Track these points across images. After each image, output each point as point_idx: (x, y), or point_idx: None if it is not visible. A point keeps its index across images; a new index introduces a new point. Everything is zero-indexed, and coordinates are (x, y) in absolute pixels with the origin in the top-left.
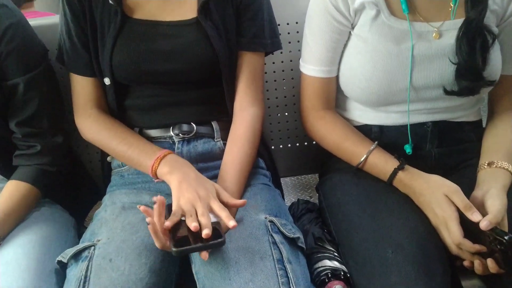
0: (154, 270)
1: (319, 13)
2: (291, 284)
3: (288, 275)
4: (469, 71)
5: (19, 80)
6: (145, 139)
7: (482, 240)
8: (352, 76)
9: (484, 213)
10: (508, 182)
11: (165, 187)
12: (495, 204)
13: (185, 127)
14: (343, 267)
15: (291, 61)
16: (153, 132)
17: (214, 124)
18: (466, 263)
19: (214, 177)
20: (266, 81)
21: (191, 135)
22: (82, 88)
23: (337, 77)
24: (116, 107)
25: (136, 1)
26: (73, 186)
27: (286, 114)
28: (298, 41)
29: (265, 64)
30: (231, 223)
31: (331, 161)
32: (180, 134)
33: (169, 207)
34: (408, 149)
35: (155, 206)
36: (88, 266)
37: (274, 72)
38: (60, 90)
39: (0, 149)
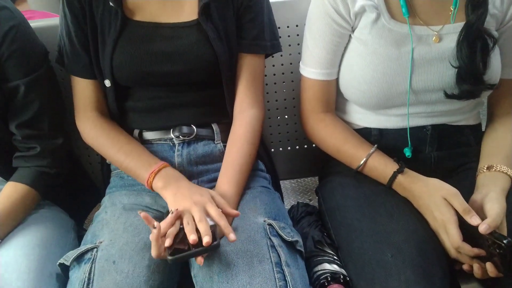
0: (158, 271)
1: (320, 16)
2: (289, 287)
3: (286, 278)
4: (470, 75)
5: (20, 82)
6: (142, 147)
7: (481, 243)
8: (352, 79)
9: (483, 216)
10: (507, 186)
11: None
12: (494, 207)
13: (185, 129)
14: (343, 271)
15: (291, 64)
16: (153, 134)
17: (215, 126)
18: (465, 267)
19: (214, 179)
20: (266, 84)
21: (191, 137)
22: (81, 90)
23: (337, 80)
24: (116, 109)
25: (137, 3)
26: (73, 188)
27: (286, 116)
28: (298, 44)
29: (265, 66)
30: (231, 236)
31: (330, 164)
32: (180, 136)
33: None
34: (407, 152)
35: (168, 217)
36: (91, 268)
37: (274, 74)
38: (60, 92)
39: (0, 151)
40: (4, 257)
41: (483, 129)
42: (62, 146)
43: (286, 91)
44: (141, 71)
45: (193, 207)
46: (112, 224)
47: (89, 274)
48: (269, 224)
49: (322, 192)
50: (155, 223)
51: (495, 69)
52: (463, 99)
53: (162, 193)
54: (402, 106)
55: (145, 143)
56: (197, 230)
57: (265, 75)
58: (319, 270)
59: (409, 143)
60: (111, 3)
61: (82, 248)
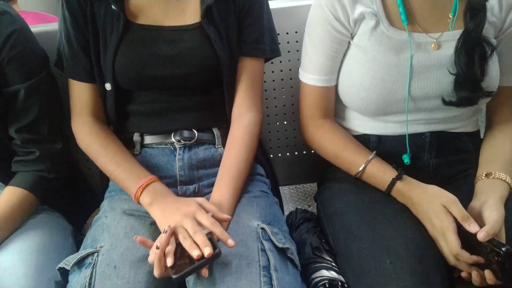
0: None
1: (319, 22)
2: None
3: (273, 282)
4: (468, 82)
5: (20, 87)
6: (133, 158)
7: (480, 251)
8: (351, 85)
9: (481, 224)
10: (505, 193)
11: None
12: (492, 215)
13: (186, 133)
14: (341, 277)
15: (290, 70)
16: (154, 138)
17: (215, 131)
18: (463, 274)
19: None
20: (266, 90)
21: (192, 141)
22: (79, 94)
23: (336, 86)
24: (114, 113)
25: (139, 7)
26: (71, 193)
27: (285, 122)
28: (297, 50)
29: (264, 72)
30: (229, 242)
31: (329, 170)
32: (181, 141)
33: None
34: (406, 159)
35: (162, 236)
36: (92, 273)
37: (274, 80)
38: (60, 96)
39: (2, 156)
40: (2, 262)
41: (482, 136)
42: (61, 150)
43: (285, 97)
44: (143, 74)
45: (184, 220)
46: (112, 228)
47: (90, 278)
48: (262, 228)
49: (320, 198)
50: (158, 244)
51: (494, 77)
52: (461, 106)
53: (149, 210)
54: (401, 113)
55: (146, 146)
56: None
57: (265, 81)
58: (317, 277)
59: (408, 150)
60: (113, 7)
61: (83, 252)
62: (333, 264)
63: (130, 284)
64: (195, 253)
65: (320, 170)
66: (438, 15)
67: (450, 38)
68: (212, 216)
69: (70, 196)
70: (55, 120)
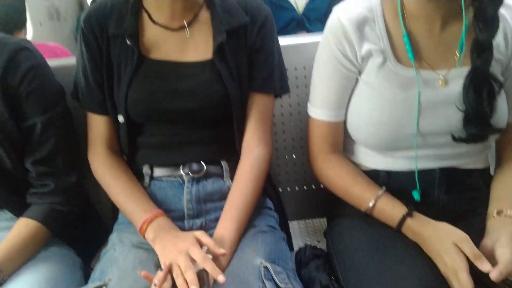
0: None
1: (327, 59)
2: None
3: None
4: (477, 119)
5: (37, 120)
6: (143, 191)
7: None
8: (359, 121)
9: (494, 262)
10: None
11: None
12: (505, 253)
13: (195, 166)
14: None
15: (298, 104)
16: (163, 171)
17: (224, 164)
18: None
19: None
20: (274, 124)
21: (200, 174)
22: (95, 126)
23: (345, 121)
24: (127, 145)
25: (153, 42)
26: (82, 225)
27: (294, 156)
28: (306, 86)
29: (273, 107)
30: (219, 278)
31: (339, 206)
32: (190, 173)
33: None
34: (416, 195)
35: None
36: None
37: (282, 114)
38: (75, 130)
39: (15, 188)
40: None
41: (492, 172)
42: (75, 183)
43: (294, 131)
44: (155, 107)
45: (178, 257)
46: (120, 261)
47: None
48: (265, 267)
49: (330, 234)
50: (155, 281)
51: (502, 113)
52: (470, 142)
53: (153, 246)
54: (410, 149)
55: (155, 179)
56: None
57: (273, 115)
58: None
59: (418, 186)
60: (128, 42)
61: (91, 285)
62: None
63: None
64: None
65: (329, 205)
66: (444, 53)
67: (457, 75)
68: (208, 250)
69: (80, 229)
70: (70, 153)
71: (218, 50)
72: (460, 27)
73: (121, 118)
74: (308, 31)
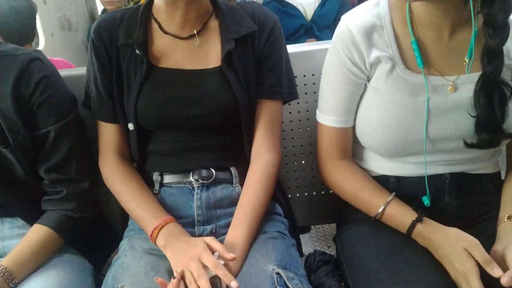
0: None
1: (336, 66)
2: None
3: None
4: (489, 124)
5: (50, 129)
6: (153, 198)
7: None
8: (368, 127)
9: (505, 268)
10: None
11: None
12: None
13: (204, 172)
14: None
15: (307, 111)
16: (173, 177)
17: (233, 170)
18: None
19: None
20: (284, 130)
21: (210, 180)
22: (105, 134)
23: (354, 127)
24: (138, 152)
25: (162, 51)
26: (92, 232)
27: (303, 162)
28: (315, 92)
29: (282, 113)
30: (232, 285)
31: (348, 211)
32: (199, 180)
33: None
34: (426, 200)
35: (172, 282)
36: None
37: (291, 121)
38: (87, 137)
39: (27, 196)
40: None
41: (503, 177)
42: (88, 190)
43: (303, 138)
44: (164, 115)
45: (190, 264)
46: (132, 267)
47: None
48: (277, 273)
49: (340, 240)
50: (175, 273)
51: None
52: (483, 148)
53: (164, 252)
54: (419, 154)
55: (165, 186)
56: None
57: (282, 122)
58: None
59: (428, 192)
60: (137, 51)
61: None
62: None
63: None
64: None
65: (339, 210)
66: (453, 59)
67: (467, 81)
68: (219, 256)
69: (91, 235)
70: (83, 160)
71: (226, 57)
72: (468, 34)
73: (131, 126)
74: (317, 38)
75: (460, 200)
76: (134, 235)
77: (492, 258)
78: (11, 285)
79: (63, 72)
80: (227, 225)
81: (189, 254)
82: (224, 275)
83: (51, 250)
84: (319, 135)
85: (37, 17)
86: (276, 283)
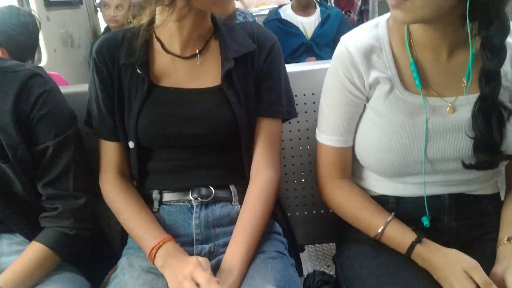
0: None
1: (335, 86)
2: None
3: None
4: (487, 146)
5: (49, 144)
6: (152, 216)
7: None
8: (367, 146)
9: None
10: None
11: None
12: None
13: (203, 190)
14: None
15: (307, 129)
16: (172, 196)
17: (232, 188)
18: None
19: None
20: (283, 149)
21: (209, 199)
22: (105, 152)
23: (353, 147)
24: (138, 170)
25: (163, 70)
26: (91, 249)
27: (303, 181)
28: (314, 111)
29: (282, 132)
30: None
31: (348, 231)
32: (198, 198)
33: None
34: (425, 221)
35: None
36: None
37: (291, 139)
38: (85, 153)
39: (26, 212)
40: None
41: (502, 198)
42: (84, 206)
43: (303, 156)
44: (164, 133)
45: (183, 283)
46: (131, 286)
47: None
48: None
49: (339, 260)
50: None
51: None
52: (481, 169)
53: (162, 272)
54: (419, 175)
55: (164, 204)
56: None
57: (282, 140)
58: None
59: (427, 212)
60: (138, 71)
61: None
62: None
63: None
64: None
65: (338, 230)
66: (451, 80)
67: (465, 102)
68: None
69: (89, 252)
70: (80, 176)
71: (226, 76)
72: (466, 55)
73: (131, 144)
74: (317, 56)
75: (460, 221)
76: (133, 253)
77: (491, 280)
78: None
79: (63, 89)
80: (226, 244)
81: (183, 272)
82: None
83: (48, 268)
84: (318, 154)
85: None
86: None
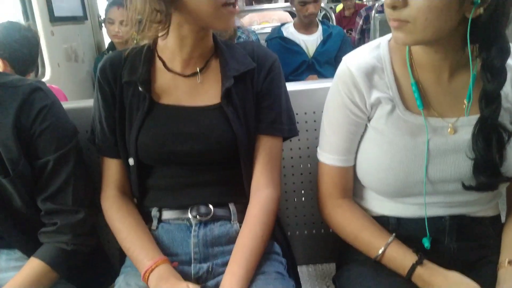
0: None
1: (337, 105)
2: None
3: None
4: (487, 167)
5: (49, 158)
6: (148, 236)
7: None
8: (369, 166)
9: None
10: None
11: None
12: None
13: (202, 209)
14: None
15: (308, 148)
16: (171, 214)
17: (231, 206)
18: None
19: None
20: (284, 167)
21: (208, 217)
22: (106, 168)
23: (354, 166)
24: (138, 187)
25: (164, 88)
26: (89, 266)
27: (303, 199)
28: (315, 130)
29: (282, 150)
30: None
31: (348, 252)
32: (197, 216)
33: None
34: (426, 243)
35: None
36: None
37: (292, 158)
38: (85, 169)
39: (25, 228)
40: None
41: (503, 220)
42: (83, 221)
43: (303, 174)
44: (164, 150)
45: None
46: None
47: None
48: None
49: (339, 280)
50: None
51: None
52: (481, 191)
53: None
54: (419, 195)
55: (163, 222)
56: None
57: (283, 158)
58: None
59: (428, 233)
60: (140, 89)
61: None
62: None
63: None
64: None
65: (338, 250)
66: (453, 101)
67: (466, 123)
68: None
69: (88, 269)
70: (80, 191)
71: (226, 94)
72: (467, 77)
73: (131, 161)
74: (319, 73)
75: (460, 243)
76: (130, 272)
77: None
78: None
79: (65, 105)
80: (225, 264)
81: None
82: None
83: (46, 285)
84: (319, 173)
85: (44, 47)
86: None
